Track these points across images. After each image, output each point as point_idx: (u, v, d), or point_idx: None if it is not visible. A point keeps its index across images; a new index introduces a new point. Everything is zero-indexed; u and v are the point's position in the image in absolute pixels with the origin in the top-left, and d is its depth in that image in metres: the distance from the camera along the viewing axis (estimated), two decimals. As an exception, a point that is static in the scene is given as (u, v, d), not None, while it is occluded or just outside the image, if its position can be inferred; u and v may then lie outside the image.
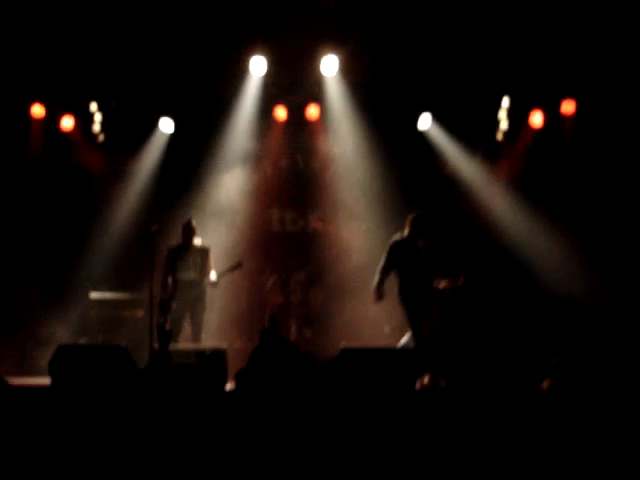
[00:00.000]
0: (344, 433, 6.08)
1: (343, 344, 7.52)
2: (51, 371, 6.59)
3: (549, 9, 8.83)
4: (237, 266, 8.67)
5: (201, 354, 7.35)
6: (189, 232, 8.59)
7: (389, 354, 7.34)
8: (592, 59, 9.29)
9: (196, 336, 8.48)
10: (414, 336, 8.01)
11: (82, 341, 9.01)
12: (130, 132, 10.02)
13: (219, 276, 8.50)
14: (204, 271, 8.53)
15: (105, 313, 9.33)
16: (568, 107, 9.83)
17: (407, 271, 8.04)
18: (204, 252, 8.62)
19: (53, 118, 9.92)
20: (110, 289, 9.58)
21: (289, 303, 9.96)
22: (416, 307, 7.99)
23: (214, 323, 9.25)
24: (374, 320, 9.46)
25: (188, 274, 8.50)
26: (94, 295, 9.45)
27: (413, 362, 7.24)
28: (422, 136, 10.10)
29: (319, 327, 9.84)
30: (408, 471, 5.60)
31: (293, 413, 6.36)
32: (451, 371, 7.68)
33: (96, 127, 9.96)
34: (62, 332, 9.25)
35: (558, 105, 9.86)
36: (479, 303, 9.19)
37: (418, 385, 7.50)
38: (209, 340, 8.65)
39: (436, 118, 9.99)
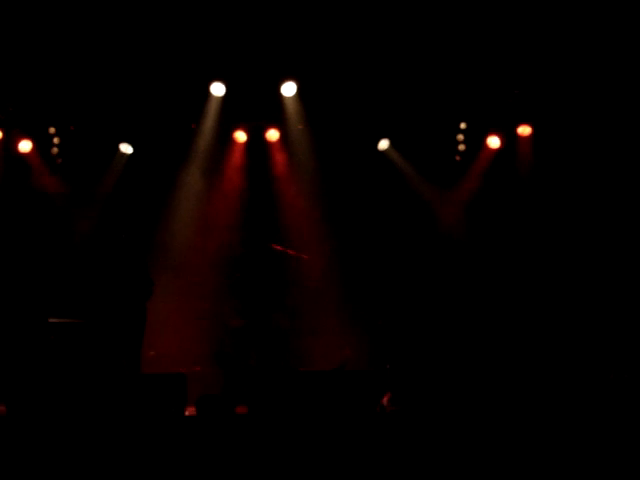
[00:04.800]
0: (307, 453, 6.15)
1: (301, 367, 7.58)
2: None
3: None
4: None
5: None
6: None
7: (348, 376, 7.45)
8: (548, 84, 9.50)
9: None
10: None
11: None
12: (89, 155, 9.98)
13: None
14: None
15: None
16: (524, 130, 10.00)
17: None
18: None
19: (10, 141, 9.84)
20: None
21: (249, 327, 9.87)
22: None
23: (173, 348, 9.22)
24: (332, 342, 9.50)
25: None
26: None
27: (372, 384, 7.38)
28: (381, 156, 10.20)
29: (280, 350, 9.80)
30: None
31: (256, 436, 6.40)
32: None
33: (54, 150, 9.88)
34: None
35: (514, 129, 10.02)
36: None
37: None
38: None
39: (394, 141, 10.12)
